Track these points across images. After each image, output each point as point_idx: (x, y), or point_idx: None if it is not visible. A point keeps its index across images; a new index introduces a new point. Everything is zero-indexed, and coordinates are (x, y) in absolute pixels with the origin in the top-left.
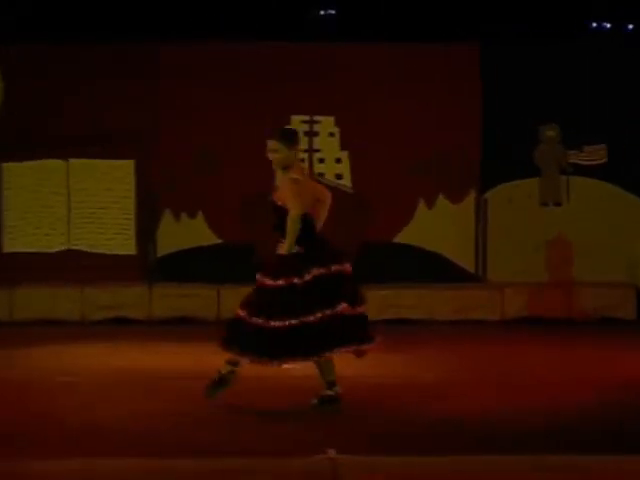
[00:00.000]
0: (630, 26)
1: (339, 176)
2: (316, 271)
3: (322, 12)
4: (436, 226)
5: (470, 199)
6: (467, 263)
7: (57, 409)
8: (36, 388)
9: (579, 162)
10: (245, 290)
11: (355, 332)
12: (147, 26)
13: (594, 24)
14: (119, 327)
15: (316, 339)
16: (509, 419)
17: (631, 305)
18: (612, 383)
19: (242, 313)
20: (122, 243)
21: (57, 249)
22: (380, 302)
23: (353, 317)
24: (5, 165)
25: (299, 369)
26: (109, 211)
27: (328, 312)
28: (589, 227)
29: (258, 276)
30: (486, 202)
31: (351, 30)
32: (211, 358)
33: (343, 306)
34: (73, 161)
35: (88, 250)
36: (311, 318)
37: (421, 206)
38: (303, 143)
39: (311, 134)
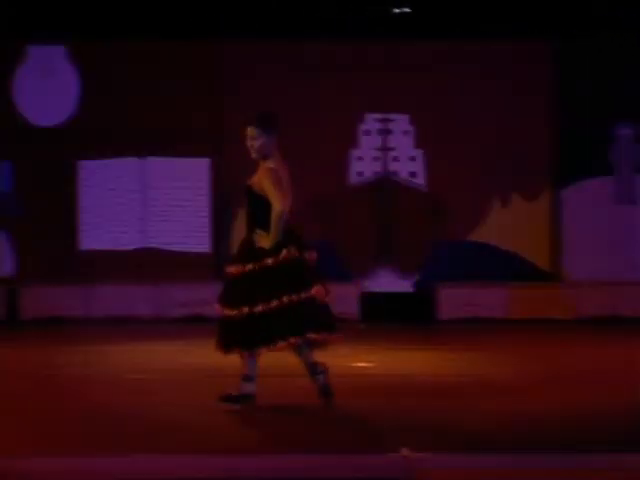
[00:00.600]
0: None
1: (413, 174)
2: (288, 253)
3: (397, 10)
4: (511, 224)
5: (545, 197)
6: (542, 262)
7: (135, 406)
8: (112, 385)
9: None
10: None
11: (324, 320)
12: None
13: None
14: (194, 325)
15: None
16: (587, 417)
17: None
18: None
19: (226, 311)
20: (197, 241)
21: (133, 247)
22: (456, 301)
23: (321, 305)
24: (82, 163)
25: (374, 367)
26: (184, 209)
27: (296, 297)
28: None
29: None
30: (561, 200)
31: (426, 27)
32: (287, 355)
33: (313, 290)
34: (149, 159)
35: (163, 248)
36: (284, 300)
37: (496, 204)
38: (377, 141)
39: (385, 132)
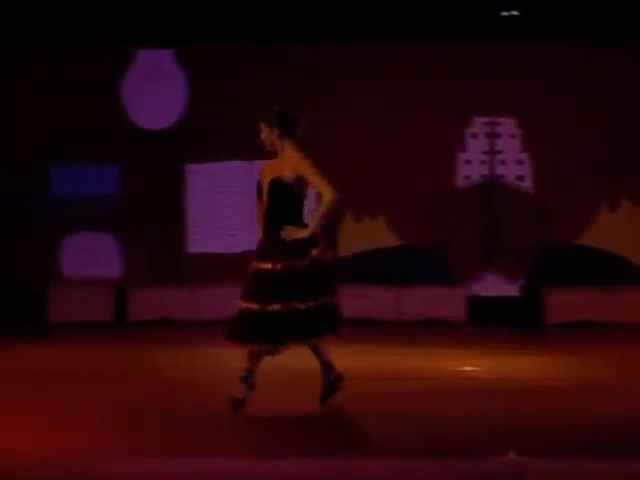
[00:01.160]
0: None
1: (520, 178)
2: (315, 253)
3: (505, 13)
4: (619, 228)
5: None
6: None
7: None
8: (217, 387)
9: None
10: (423, 292)
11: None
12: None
13: None
14: None
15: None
16: None
17: None
18: None
19: (245, 304)
20: None
21: (240, 250)
22: (561, 304)
23: (331, 305)
24: (190, 166)
25: (479, 370)
26: None
27: (320, 300)
28: None
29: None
30: None
31: (534, 30)
32: (385, 359)
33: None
34: (257, 162)
35: None
36: (311, 303)
37: (604, 208)
38: (484, 145)
39: (493, 136)
